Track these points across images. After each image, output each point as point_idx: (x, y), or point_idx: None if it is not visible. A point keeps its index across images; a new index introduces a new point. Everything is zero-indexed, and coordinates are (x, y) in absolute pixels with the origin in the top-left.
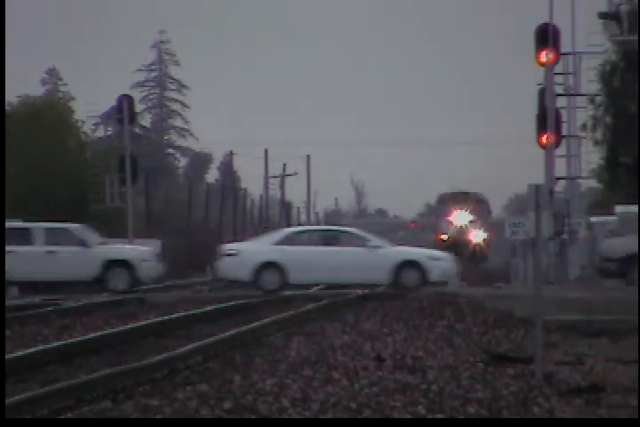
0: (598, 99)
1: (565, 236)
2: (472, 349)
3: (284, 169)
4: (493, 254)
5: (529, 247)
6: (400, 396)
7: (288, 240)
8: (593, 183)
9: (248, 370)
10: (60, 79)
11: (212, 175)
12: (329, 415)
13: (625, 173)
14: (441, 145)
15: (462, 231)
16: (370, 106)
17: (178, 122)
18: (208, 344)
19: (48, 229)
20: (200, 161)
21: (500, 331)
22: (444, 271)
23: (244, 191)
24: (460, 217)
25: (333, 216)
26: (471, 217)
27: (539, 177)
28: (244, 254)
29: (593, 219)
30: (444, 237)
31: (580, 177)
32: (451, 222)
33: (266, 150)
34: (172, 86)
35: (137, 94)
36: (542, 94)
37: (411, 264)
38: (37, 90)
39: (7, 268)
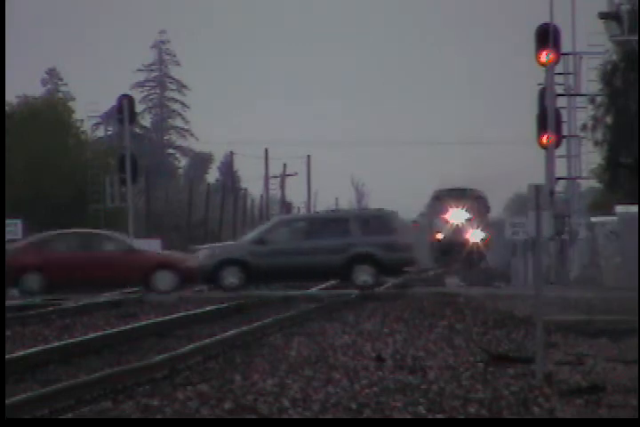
0: (598, 99)
1: (565, 236)
2: (472, 349)
3: (284, 169)
4: (493, 254)
5: (529, 247)
6: (400, 396)
7: None
8: (593, 183)
9: (248, 370)
10: (60, 79)
11: (212, 175)
12: (329, 415)
13: (625, 173)
14: (441, 145)
15: (459, 230)
16: (370, 106)
17: (178, 122)
18: (208, 344)
19: None
20: (200, 161)
21: (500, 331)
22: None
23: (244, 191)
24: (456, 215)
25: None
26: (468, 215)
27: (539, 177)
28: None
29: (593, 219)
30: (440, 236)
31: (580, 177)
32: (446, 221)
33: (266, 150)
34: (172, 86)
35: (137, 94)
36: (542, 94)
37: None
38: (37, 90)
39: None
